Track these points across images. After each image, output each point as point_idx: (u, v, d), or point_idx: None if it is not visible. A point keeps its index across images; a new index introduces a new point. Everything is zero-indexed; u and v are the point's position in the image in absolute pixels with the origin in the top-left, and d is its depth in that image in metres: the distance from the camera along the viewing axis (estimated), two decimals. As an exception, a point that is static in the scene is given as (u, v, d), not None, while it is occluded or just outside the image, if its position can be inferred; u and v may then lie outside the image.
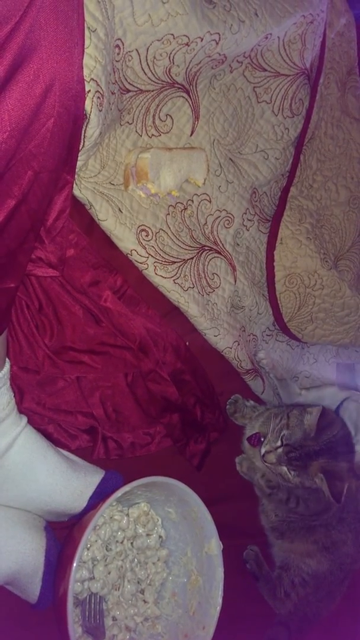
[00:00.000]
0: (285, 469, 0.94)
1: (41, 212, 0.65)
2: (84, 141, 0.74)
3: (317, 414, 0.92)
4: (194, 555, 0.90)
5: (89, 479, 0.83)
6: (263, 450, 0.96)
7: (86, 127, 0.72)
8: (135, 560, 0.90)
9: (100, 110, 0.73)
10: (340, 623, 1.15)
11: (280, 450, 0.94)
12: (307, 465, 0.92)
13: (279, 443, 0.94)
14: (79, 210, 0.85)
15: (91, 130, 0.73)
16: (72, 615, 0.72)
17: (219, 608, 0.84)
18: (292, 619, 1.03)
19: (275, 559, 1.07)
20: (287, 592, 1.02)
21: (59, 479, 0.80)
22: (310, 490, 0.94)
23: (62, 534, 0.84)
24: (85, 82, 0.67)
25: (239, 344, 1.06)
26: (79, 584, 0.82)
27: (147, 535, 0.91)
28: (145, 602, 0.88)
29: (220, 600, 0.84)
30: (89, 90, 0.69)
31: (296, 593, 1.02)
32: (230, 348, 1.04)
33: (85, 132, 0.73)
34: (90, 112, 0.71)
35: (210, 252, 1.01)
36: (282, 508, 1.01)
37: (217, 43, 0.84)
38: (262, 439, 0.99)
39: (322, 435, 0.92)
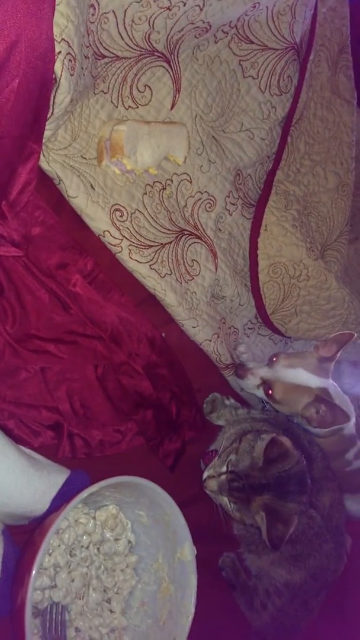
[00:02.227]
0: (226, 499, 0.91)
1: (2, 182, 0.63)
2: (53, 108, 0.72)
3: (266, 442, 0.86)
4: (166, 562, 0.89)
5: (53, 478, 0.82)
6: (205, 475, 0.93)
7: (56, 92, 0.70)
8: (102, 567, 0.89)
9: (71, 75, 0.71)
10: (321, 635, 1.16)
11: (224, 477, 0.90)
12: (249, 500, 0.87)
13: (224, 469, 0.91)
14: (47, 186, 0.83)
15: (61, 96, 0.71)
16: (31, 626, 0.70)
17: (191, 617, 0.84)
18: (270, 632, 1.04)
19: (251, 568, 1.08)
20: (263, 602, 1.03)
21: (19, 479, 0.78)
22: (253, 528, 0.91)
23: (22, 539, 0.82)
24: (56, 42, 0.66)
25: (218, 337, 1.06)
26: (39, 592, 0.80)
27: (115, 540, 0.90)
28: (111, 612, 0.88)
29: (192, 609, 0.84)
30: (60, 52, 0.67)
31: (272, 603, 1.02)
32: (210, 341, 1.04)
33: (54, 98, 0.71)
34: (61, 75, 0.69)
35: (190, 236, 1.00)
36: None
37: (201, 9, 0.83)
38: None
39: (271, 468, 0.87)
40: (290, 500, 0.87)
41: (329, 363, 1.05)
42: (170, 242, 0.97)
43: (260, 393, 1.07)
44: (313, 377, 1.03)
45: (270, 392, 1.04)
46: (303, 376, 1.03)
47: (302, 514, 0.91)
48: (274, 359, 1.06)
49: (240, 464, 0.89)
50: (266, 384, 1.05)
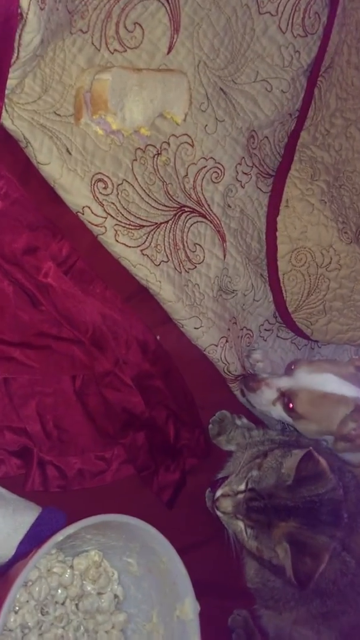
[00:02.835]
0: (241, 524, 0.91)
1: None
2: (18, 51, 0.72)
3: (300, 456, 0.88)
4: (162, 621, 0.89)
5: (19, 518, 0.82)
6: (218, 493, 0.93)
7: (22, 30, 0.70)
8: (82, 627, 0.88)
9: (41, 9, 0.70)
10: None
11: (241, 496, 0.91)
12: (270, 524, 0.87)
13: (242, 487, 0.91)
14: (11, 149, 0.83)
15: (29, 35, 0.71)
16: None
17: None
18: None
19: (268, 629, 1.07)
20: (285, 673, 1.02)
21: (-23, 518, 0.79)
22: (272, 566, 0.91)
23: (-19, 593, 0.82)
24: (21, -33, 0.65)
25: (227, 341, 1.06)
26: (2, 660, 0.80)
27: (99, 594, 0.90)
28: None
29: None
30: (26, -21, 0.67)
31: (296, 673, 1.02)
32: (216, 346, 1.04)
33: (20, 38, 0.71)
34: (28, 10, 0.68)
35: (192, 214, 1.00)
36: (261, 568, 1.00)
37: None
38: None
39: (302, 489, 0.87)
40: (320, 532, 0.88)
41: None
42: (167, 222, 0.96)
43: (277, 411, 1.05)
44: (347, 385, 1.02)
45: (291, 405, 1.03)
46: (334, 382, 1.02)
47: (334, 556, 0.91)
48: (293, 367, 1.05)
49: (263, 481, 0.90)
50: (285, 396, 1.04)
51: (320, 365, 1.05)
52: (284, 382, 1.04)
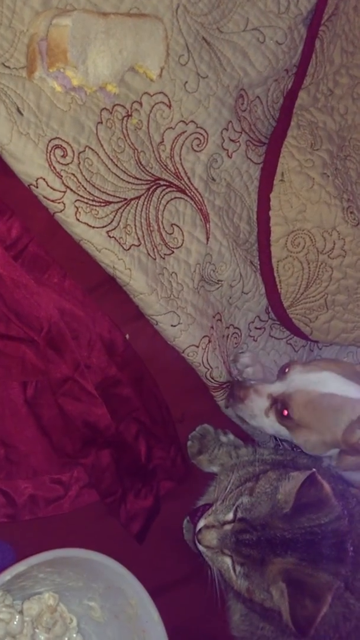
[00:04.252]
0: (228, 560, 0.91)
1: None
2: None
3: (301, 481, 0.88)
4: None
5: None
6: (201, 524, 0.94)
7: None
8: None
9: None
10: None
11: (228, 527, 0.91)
12: (264, 561, 0.88)
13: (230, 516, 0.92)
14: None
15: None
16: None
17: None
18: None
19: None
20: None
21: None
22: (263, 609, 0.91)
23: None
24: None
25: (210, 342, 1.07)
26: None
27: (54, 645, 0.91)
28: None
29: None
30: None
31: None
32: (197, 347, 1.05)
33: None
34: None
35: (169, 189, 1.00)
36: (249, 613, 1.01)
37: None
38: None
39: (302, 518, 0.88)
40: (322, 568, 0.88)
41: None
42: (139, 197, 0.96)
43: (272, 423, 1.06)
44: (351, 385, 1.02)
45: (285, 412, 1.03)
46: (335, 382, 1.02)
47: (337, 597, 0.92)
48: (287, 370, 1.06)
49: (256, 509, 0.90)
50: (278, 402, 1.04)
51: (318, 363, 1.06)
52: (276, 387, 1.05)
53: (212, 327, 1.08)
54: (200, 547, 0.93)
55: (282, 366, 1.09)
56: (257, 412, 1.06)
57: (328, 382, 1.02)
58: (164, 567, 1.04)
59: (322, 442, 1.04)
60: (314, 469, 0.90)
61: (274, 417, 1.05)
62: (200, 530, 0.93)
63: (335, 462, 1.07)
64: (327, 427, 1.02)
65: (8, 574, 0.77)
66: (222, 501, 0.94)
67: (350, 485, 1.07)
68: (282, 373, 1.07)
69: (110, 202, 0.93)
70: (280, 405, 1.04)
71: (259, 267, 1.14)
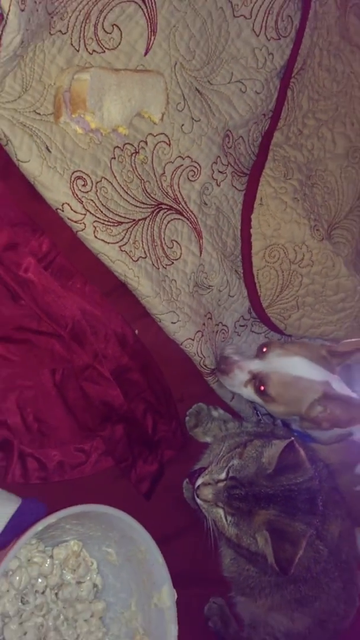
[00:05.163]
0: (221, 512, 0.92)
1: None
2: None
3: (282, 447, 0.89)
4: (140, 609, 0.90)
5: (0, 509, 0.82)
6: (199, 482, 0.94)
7: (2, 31, 0.71)
8: (61, 616, 0.89)
9: (22, 10, 0.71)
10: None
11: (222, 484, 0.92)
12: (251, 512, 0.89)
13: (223, 475, 0.92)
14: (-8, 147, 0.83)
15: (9, 36, 0.72)
16: None
17: None
18: None
19: (243, 616, 1.09)
20: (260, 658, 1.04)
21: None
22: (249, 553, 0.92)
23: None
24: (2, -30, 0.66)
25: (202, 335, 1.07)
26: (-17, 648, 0.81)
27: (78, 583, 0.91)
28: (73, 672, 0.88)
29: (172, 667, 0.85)
30: (7, -19, 0.67)
31: (271, 659, 1.04)
32: (192, 340, 1.05)
33: (1, 38, 0.72)
34: (9, 11, 0.70)
35: (169, 212, 1.00)
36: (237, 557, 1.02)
37: None
38: None
39: (281, 477, 0.89)
40: (298, 519, 0.90)
41: (339, 359, 1.06)
42: (145, 219, 0.97)
43: (249, 392, 1.07)
44: (316, 368, 1.03)
45: (262, 388, 1.04)
46: (304, 366, 1.03)
47: (309, 544, 0.93)
48: (264, 349, 1.06)
49: (244, 469, 0.91)
50: (257, 379, 1.05)
51: (291, 348, 1.06)
52: (256, 365, 1.06)
53: (204, 324, 1.08)
54: (199, 501, 0.93)
55: (261, 345, 1.09)
56: (237, 383, 1.07)
57: (298, 366, 1.03)
58: (167, 519, 1.05)
59: (289, 413, 1.07)
60: (292, 438, 0.91)
61: (252, 389, 1.06)
62: (198, 487, 0.93)
63: (296, 424, 1.09)
64: (294, 403, 1.04)
65: (40, 525, 0.77)
66: (217, 464, 0.95)
67: (317, 453, 1.08)
68: (260, 352, 1.07)
69: (122, 223, 0.94)
70: (258, 382, 1.05)
71: (242, 275, 1.15)
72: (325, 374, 1.04)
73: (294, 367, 1.03)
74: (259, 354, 1.07)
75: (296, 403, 1.04)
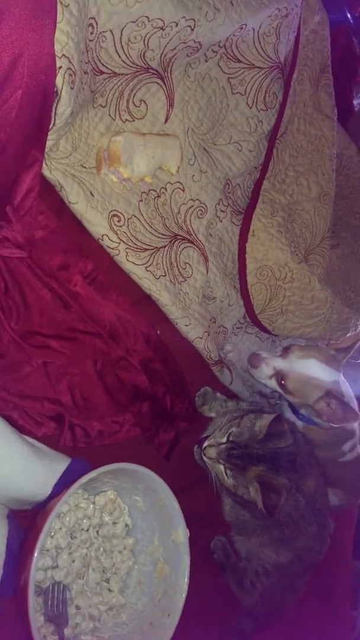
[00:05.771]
0: (222, 467, 0.92)
1: (7, 187, 0.63)
2: (54, 119, 0.72)
3: (271, 419, 0.90)
4: (161, 544, 0.89)
5: (54, 466, 0.82)
6: (206, 444, 0.94)
7: (57, 104, 0.71)
8: (101, 548, 0.88)
9: (72, 88, 0.71)
10: (304, 615, 1.16)
11: (223, 446, 0.92)
12: (245, 468, 0.89)
13: (224, 439, 0.92)
14: (49, 192, 0.83)
15: (62, 108, 0.72)
16: (34, 603, 0.69)
17: (184, 595, 0.83)
18: (258, 610, 1.03)
19: (241, 551, 1.07)
20: (252, 582, 1.02)
21: (23, 466, 0.78)
22: (243, 500, 0.92)
23: (26, 522, 0.81)
24: (57, 58, 0.66)
25: (209, 335, 1.06)
26: (41, 572, 0.80)
27: (114, 523, 0.90)
28: (110, 590, 0.87)
29: (186, 587, 0.84)
30: (60, 67, 0.67)
31: (261, 583, 1.02)
32: (201, 338, 1.04)
33: (56, 110, 0.71)
34: (62, 89, 0.69)
35: (183, 241, 1.00)
36: (235, 504, 1.00)
37: (192, 29, 0.83)
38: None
39: (269, 442, 0.90)
40: (281, 475, 0.90)
41: (343, 354, 1.04)
42: (165, 246, 0.96)
43: (272, 383, 1.06)
44: (326, 370, 1.02)
45: (283, 382, 1.03)
46: (316, 368, 1.02)
47: (290, 494, 0.92)
48: (288, 350, 1.05)
49: (240, 435, 0.91)
50: (279, 375, 1.04)
51: (308, 351, 1.04)
52: (279, 363, 1.04)
53: (209, 326, 1.08)
54: (205, 459, 0.93)
55: (286, 346, 1.08)
56: (263, 376, 1.06)
57: (311, 367, 1.02)
58: (182, 475, 1.03)
59: (301, 403, 1.06)
60: (279, 412, 0.91)
61: (275, 382, 1.05)
62: (205, 448, 0.93)
63: (306, 411, 1.07)
64: (305, 396, 1.03)
65: (85, 478, 0.77)
66: (219, 431, 0.94)
67: (295, 426, 1.06)
68: (285, 351, 1.06)
69: (147, 249, 0.94)
70: (280, 377, 1.04)
71: (239, 289, 1.14)
72: (333, 374, 1.02)
73: (308, 367, 1.02)
74: (283, 354, 1.06)
75: (306, 397, 1.03)
